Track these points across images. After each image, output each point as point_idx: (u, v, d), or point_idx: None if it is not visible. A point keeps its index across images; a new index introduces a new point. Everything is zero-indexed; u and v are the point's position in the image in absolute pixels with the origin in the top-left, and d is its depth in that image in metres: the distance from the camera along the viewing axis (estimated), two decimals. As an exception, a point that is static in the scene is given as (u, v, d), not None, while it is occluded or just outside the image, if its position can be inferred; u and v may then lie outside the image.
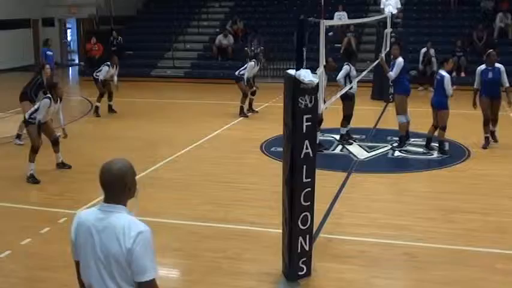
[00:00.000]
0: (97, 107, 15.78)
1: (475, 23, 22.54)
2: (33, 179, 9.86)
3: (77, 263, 3.43)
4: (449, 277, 6.45)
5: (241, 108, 15.61)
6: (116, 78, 15.85)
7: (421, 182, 10.25)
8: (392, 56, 12.26)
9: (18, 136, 12.61)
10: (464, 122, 13.52)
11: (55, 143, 10.48)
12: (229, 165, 10.90)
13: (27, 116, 10.07)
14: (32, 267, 6.85)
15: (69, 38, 31.27)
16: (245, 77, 15.31)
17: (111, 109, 16.12)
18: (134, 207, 3.46)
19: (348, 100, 12.07)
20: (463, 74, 20.51)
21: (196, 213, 8.39)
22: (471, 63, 21.02)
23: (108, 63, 15.64)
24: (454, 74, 18.32)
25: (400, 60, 11.83)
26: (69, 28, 30.99)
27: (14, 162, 10.95)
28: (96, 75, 15.73)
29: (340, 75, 12.05)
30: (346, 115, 12.30)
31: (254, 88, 15.85)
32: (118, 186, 3.26)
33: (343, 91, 10.71)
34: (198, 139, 12.80)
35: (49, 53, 19.11)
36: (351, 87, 11.67)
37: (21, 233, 7.64)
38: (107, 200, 3.29)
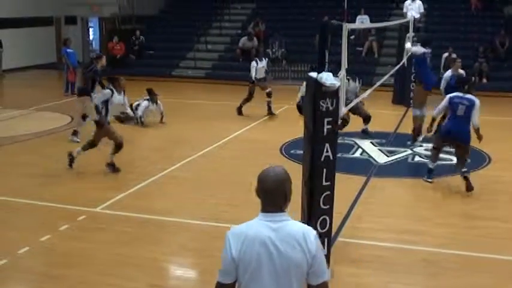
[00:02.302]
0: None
1: (498, 29, 22.35)
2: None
3: (229, 286, 3.25)
4: (467, 284, 6.40)
5: (240, 107, 15.78)
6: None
7: (440, 187, 10.15)
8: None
9: (75, 133, 12.48)
10: (485, 128, 13.38)
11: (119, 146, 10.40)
12: (248, 166, 10.86)
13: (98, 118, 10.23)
14: (50, 264, 6.90)
15: (91, 37, 31.42)
16: (252, 75, 15.46)
17: None
18: None
19: None
20: (484, 81, 20.34)
21: (213, 214, 8.39)
22: (493, 69, 20.93)
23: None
24: (476, 79, 18.16)
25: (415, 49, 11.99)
26: (92, 27, 31.15)
27: (35, 159, 11.02)
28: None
29: None
30: None
31: (269, 90, 15.80)
32: (278, 193, 3.21)
33: (364, 95, 10.62)
34: (217, 140, 12.80)
35: (69, 50, 19.18)
36: None
37: (40, 230, 7.70)
38: (268, 209, 3.23)
